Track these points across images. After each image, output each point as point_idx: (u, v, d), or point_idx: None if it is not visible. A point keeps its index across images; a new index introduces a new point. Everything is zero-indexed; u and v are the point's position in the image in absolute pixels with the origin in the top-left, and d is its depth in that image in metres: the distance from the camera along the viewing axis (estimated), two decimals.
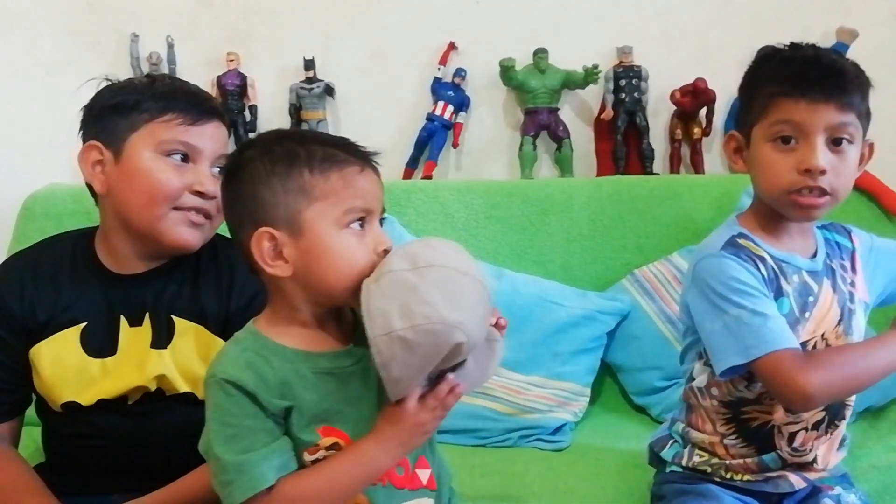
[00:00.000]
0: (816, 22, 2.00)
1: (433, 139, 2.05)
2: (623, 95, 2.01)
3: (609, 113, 2.02)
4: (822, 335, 1.18)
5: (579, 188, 1.91)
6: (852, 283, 1.23)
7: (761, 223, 1.20)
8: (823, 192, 1.13)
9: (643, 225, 1.86)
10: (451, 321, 0.87)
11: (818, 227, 1.25)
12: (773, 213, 1.19)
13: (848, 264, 1.24)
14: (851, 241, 1.26)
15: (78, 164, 1.18)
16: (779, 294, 1.16)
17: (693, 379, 1.25)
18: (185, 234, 1.17)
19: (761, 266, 1.15)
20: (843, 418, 1.24)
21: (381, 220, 1.00)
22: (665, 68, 2.05)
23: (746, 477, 1.22)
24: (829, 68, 1.13)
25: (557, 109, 2.05)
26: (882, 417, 1.67)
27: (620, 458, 1.53)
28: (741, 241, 1.17)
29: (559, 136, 2.03)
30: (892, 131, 1.92)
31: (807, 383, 1.07)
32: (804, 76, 1.12)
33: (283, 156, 0.95)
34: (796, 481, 1.21)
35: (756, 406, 1.20)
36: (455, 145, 2.08)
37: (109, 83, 1.21)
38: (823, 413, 1.20)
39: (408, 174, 2.07)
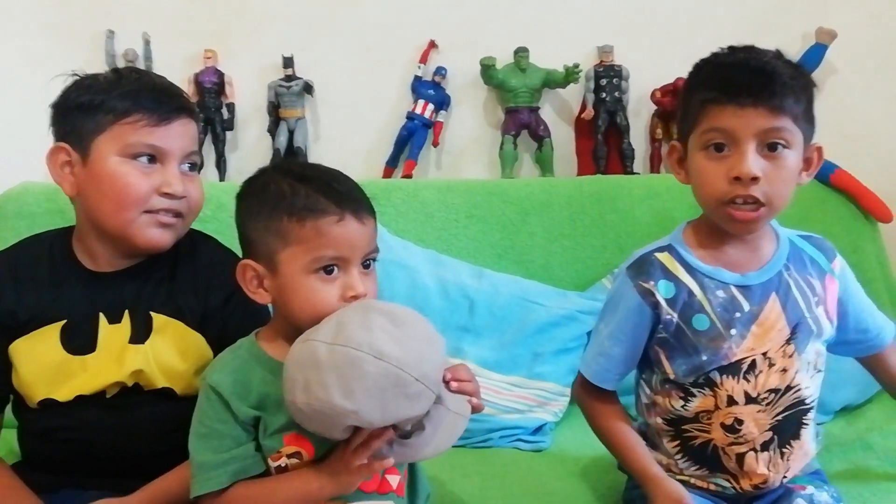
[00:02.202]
0: (797, 22, 2.02)
1: (413, 138, 2.04)
2: (604, 95, 2.01)
3: (590, 112, 2.02)
4: (765, 353, 1.14)
5: (560, 187, 1.91)
6: (818, 303, 1.18)
7: (699, 233, 1.19)
8: (758, 205, 1.10)
9: (624, 224, 1.86)
10: (339, 408, 0.93)
11: (798, 235, 1.22)
12: (713, 224, 1.16)
13: (818, 284, 1.19)
14: (832, 264, 1.22)
15: (46, 165, 1.17)
16: (692, 311, 1.15)
17: (639, 396, 1.25)
18: (156, 235, 1.16)
19: (659, 291, 1.15)
20: (798, 437, 1.19)
21: (368, 263, 1.05)
22: (645, 68, 2.05)
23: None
24: (757, 72, 1.09)
25: (538, 108, 2.04)
26: (859, 416, 1.67)
27: (600, 459, 1.51)
28: (660, 255, 1.18)
29: (540, 135, 2.03)
30: (871, 132, 1.93)
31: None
32: (731, 81, 1.09)
33: (272, 197, 1.03)
34: None
35: (695, 424, 1.18)
36: (435, 144, 2.06)
37: (76, 78, 1.19)
38: (771, 433, 1.17)
39: (388, 173, 2.06)
